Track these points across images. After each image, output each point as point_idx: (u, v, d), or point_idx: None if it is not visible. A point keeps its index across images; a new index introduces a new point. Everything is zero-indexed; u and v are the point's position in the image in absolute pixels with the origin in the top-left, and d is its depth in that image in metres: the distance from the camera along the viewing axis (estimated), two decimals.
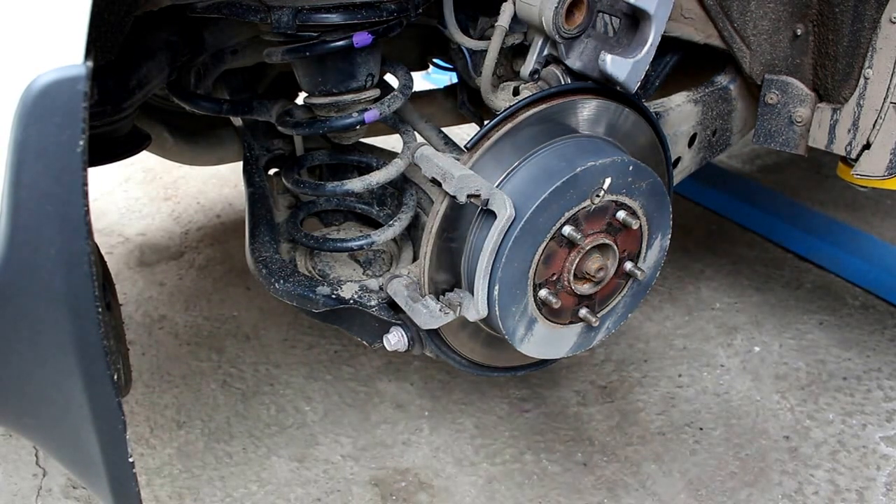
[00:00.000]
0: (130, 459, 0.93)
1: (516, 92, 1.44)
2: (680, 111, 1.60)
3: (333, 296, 1.43)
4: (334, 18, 1.30)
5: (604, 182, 1.25)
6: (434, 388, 2.07)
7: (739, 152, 3.21)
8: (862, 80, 1.51)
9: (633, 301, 1.45)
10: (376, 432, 1.94)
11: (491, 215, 1.21)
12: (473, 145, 1.27)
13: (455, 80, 1.93)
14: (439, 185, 1.22)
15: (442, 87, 2.07)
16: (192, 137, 2.00)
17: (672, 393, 2.03)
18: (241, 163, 1.82)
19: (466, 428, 1.95)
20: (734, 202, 2.77)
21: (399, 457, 1.87)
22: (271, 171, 1.79)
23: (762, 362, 2.12)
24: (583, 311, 1.36)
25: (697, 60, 1.66)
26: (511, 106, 1.27)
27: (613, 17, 1.30)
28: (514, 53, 1.53)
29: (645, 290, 1.46)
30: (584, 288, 1.34)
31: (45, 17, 0.77)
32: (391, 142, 1.80)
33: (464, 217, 1.28)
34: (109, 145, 1.62)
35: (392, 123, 1.64)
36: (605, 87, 1.33)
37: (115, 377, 0.88)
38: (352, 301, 1.41)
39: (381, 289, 1.42)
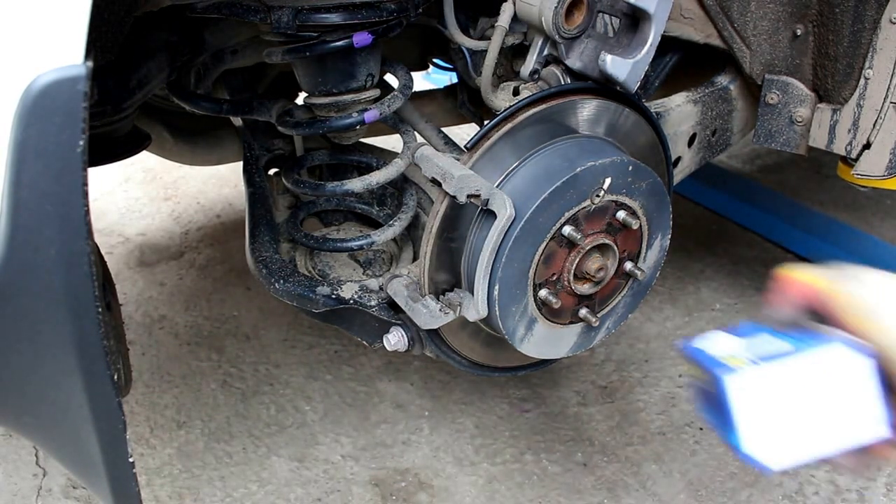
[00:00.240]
0: (130, 459, 0.93)
1: (516, 92, 1.44)
2: (680, 111, 1.60)
3: (333, 296, 1.43)
4: (334, 18, 1.30)
5: (604, 182, 1.25)
6: (434, 388, 2.07)
7: (739, 152, 3.20)
8: (862, 81, 1.51)
9: (633, 301, 1.45)
10: (376, 432, 1.94)
11: (491, 215, 1.21)
12: (473, 145, 1.27)
13: (455, 80, 1.93)
14: (439, 185, 1.22)
15: (442, 87, 2.06)
16: (192, 137, 2.00)
17: (672, 393, 2.03)
18: (241, 163, 1.82)
19: (466, 428, 1.95)
20: (734, 202, 2.77)
21: (399, 457, 1.87)
22: (271, 171, 1.79)
23: None
24: (583, 311, 1.36)
25: (697, 60, 1.66)
26: (511, 106, 1.27)
27: (613, 17, 1.30)
28: (514, 53, 1.53)
29: (645, 290, 1.46)
30: (584, 288, 1.34)
31: (45, 17, 0.77)
32: (391, 142, 1.80)
33: (464, 217, 1.28)
34: (109, 145, 1.62)
35: (392, 123, 1.64)
36: (605, 87, 1.33)
37: (115, 377, 0.88)
38: (352, 301, 1.41)
39: (381, 289, 1.42)
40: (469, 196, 1.19)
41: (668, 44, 1.53)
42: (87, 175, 0.79)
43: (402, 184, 1.64)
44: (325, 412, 2.01)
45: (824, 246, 2.49)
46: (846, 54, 1.51)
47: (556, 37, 1.27)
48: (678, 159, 1.64)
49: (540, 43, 1.33)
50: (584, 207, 1.26)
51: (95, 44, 0.78)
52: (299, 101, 1.64)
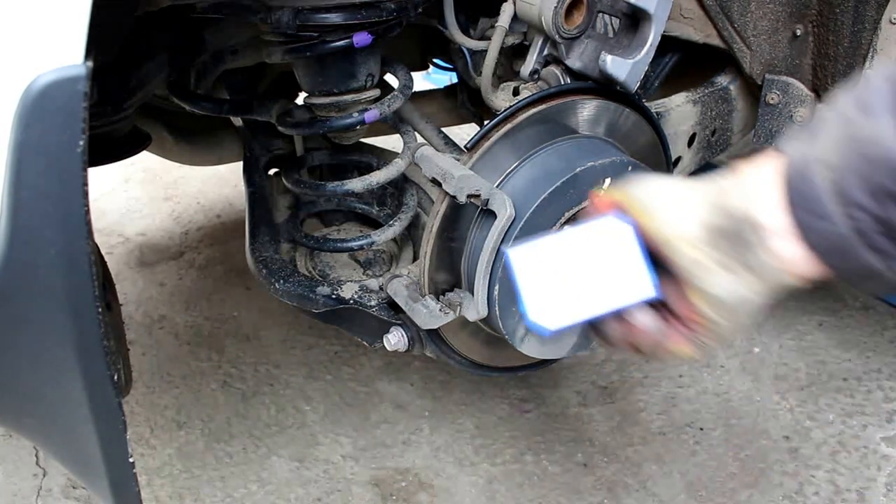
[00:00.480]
0: (130, 460, 0.93)
1: (516, 92, 1.44)
2: (680, 111, 1.60)
3: (333, 296, 1.42)
4: (334, 18, 1.30)
5: (604, 182, 1.25)
6: (434, 388, 2.07)
7: (739, 152, 3.20)
8: None
9: None
10: (376, 432, 1.94)
11: (491, 215, 1.21)
12: (473, 145, 1.27)
13: (455, 80, 1.93)
14: (439, 185, 1.22)
15: (442, 87, 2.06)
16: (192, 137, 2.00)
17: (673, 393, 2.03)
18: (241, 163, 1.82)
19: (467, 428, 1.95)
20: None
21: (399, 457, 1.87)
22: (271, 172, 1.79)
23: (762, 363, 2.12)
24: None
25: (697, 60, 1.65)
26: (511, 106, 1.27)
27: (613, 18, 1.30)
28: (514, 53, 1.53)
29: None
30: None
31: (45, 17, 0.77)
32: (391, 142, 1.80)
33: (464, 217, 1.28)
34: (109, 145, 1.62)
35: (392, 123, 1.64)
36: (604, 87, 1.33)
37: (115, 377, 0.88)
38: (352, 301, 1.41)
39: (381, 289, 1.42)
40: (469, 196, 1.19)
41: (668, 44, 1.53)
42: (87, 175, 0.79)
43: (402, 184, 1.64)
44: (326, 412, 2.01)
45: None
46: (846, 55, 1.51)
47: (556, 37, 1.27)
48: (678, 159, 1.64)
49: (540, 43, 1.33)
50: (585, 207, 1.26)
51: (95, 44, 0.78)
52: (299, 101, 1.64)
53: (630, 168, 1.28)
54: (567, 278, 0.78)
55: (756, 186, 0.75)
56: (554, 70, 1.33)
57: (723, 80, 1.67)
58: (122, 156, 1.67)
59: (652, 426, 1.93)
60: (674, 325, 0.82)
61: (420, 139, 1.65)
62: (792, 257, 0.74)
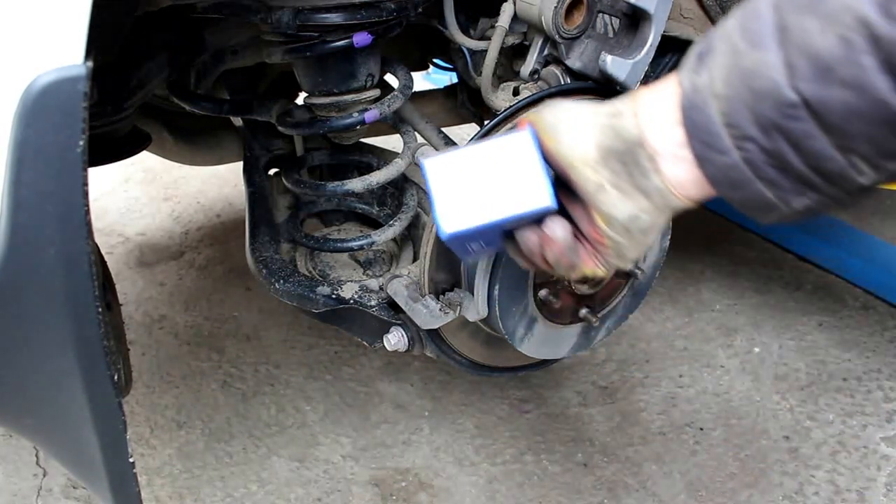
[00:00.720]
0: (131, 460, 0.93)
1: (516, 92, 1.44)
2: None
3: (333, 296, 1.42)
4: (334, 18, 1.30)
5: None
6: (434, 388, 2.07)
7: None
8: None
9: (633, 301, 1.45)
10: (376, 432, 1.94)
11: None
12: None
13: (455, 80, 1.93)
14: None
15: (442, 87, 2.06)
16: (192, 137, 2.00)
17: (673, 393, 2.03)
18: (241, 163, 1.82)
19: (467, 428, 1.95)
20: None
21: (399, 457, 1.87)
22: (271, 171, 1.79)
23: (762, 363, 2.12)
24: (583, 311, 1.36)
25: None
26: (511, 106, 1.27)
27: (613, 18, 1.30)
28: (514, 53, 1.53)
29: (645, 290, 1.46)
30: (584, 288, 1.34)
31: (45, 17, 0.77)
32: (391, 142, 1.80)
33: None
34: (109, 145, 1.62)
35: (392, 123, 1.64)
36: (604, 87, 1.33)
37: (115, 377, 0.88)
38: (352, 301, 1.41)
39: (381, 289, 1.42)
40: None
41: (667, 44, 1.53)
42: (87, 175, 0.79)
43: (402, 184, 1.64)
44: (326, 412, 2.01)
45: (824, 246, 2.49)
46: None
47: (556, 37, 1.27)
48: None
49: (540, 43, 1.33)
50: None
51: (95, 44, 0.78)
52: (299, 101, 1.64)
53: None
54: (472, 186, 0.82)
55: (651, 111, 0.77)
56: (554, 70, 1.33)
57: None
58: (122, 156, 1.67)
59: (652, 426, 1.93)
60: (583, 243, 0.84)
61: (420, 139, 1.65)
62: (684, 182, 0.76)
